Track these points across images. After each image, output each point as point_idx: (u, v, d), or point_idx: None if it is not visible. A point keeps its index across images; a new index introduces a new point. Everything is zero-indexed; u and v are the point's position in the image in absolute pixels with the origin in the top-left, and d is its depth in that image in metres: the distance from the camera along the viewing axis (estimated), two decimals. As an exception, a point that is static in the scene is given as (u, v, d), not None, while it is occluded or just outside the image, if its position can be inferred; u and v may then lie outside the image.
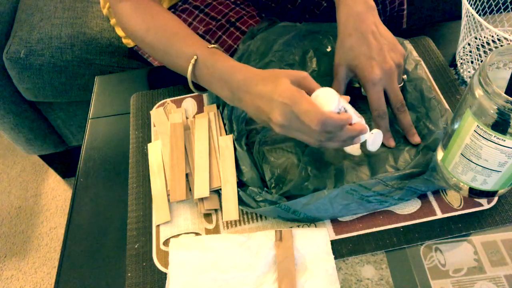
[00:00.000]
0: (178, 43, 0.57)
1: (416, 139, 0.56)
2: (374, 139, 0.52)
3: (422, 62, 0.66)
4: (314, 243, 0.49)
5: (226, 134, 0.60)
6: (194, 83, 0.58)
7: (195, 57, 0.55)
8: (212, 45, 0.56)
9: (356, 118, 0.49)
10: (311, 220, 0.51)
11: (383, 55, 0.54)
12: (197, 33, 0.77)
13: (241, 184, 0.55)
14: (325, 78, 0.64)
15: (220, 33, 0.76)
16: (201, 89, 0.60)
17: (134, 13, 0.61)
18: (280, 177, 0.55)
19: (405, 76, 0.59)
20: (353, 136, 0.49)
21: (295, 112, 0.46)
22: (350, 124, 0.48)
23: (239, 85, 0.51)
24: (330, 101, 0.47)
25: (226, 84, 0.53)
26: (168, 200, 0.55)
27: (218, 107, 0.63)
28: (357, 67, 0.55)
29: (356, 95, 0.60)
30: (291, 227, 0.51)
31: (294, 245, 0.48)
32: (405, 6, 0.82)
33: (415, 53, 0.64)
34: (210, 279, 0.47)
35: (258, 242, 0.49)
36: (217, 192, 0.55)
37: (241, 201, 0.53)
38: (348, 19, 0.56)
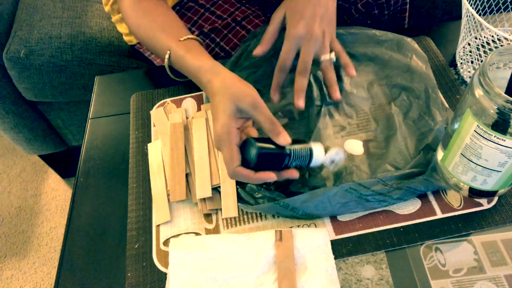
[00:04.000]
0: (161, 38, 0.59)
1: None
2: (331, 160, 0.51)
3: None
4: (314, 243, 0.49)
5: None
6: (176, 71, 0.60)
7: (168, 52, 0.58)
8: (186, 37, 0.58)
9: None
10: (309, 217, 0.51)
11: (313, 21, 0.57)
12: (202, 32, 0.77)
13: (241, 182, 0.55)
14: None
15: (225, 32, 0.76)
16: (183, 76, 0.61)
17: (130, 10, 0.64)
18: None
19: (333, 56, 0.60)
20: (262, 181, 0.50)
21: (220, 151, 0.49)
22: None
23: (204, 87, 0.53)
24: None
25: (196, 80, 0.55)
26: (168, 200, 0.55)
27: None
28: (288, 18, 0.59)
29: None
30: (291, 227, 0.51)
31: (294, 245, 0.48)
32: (407, 0, 0.82)
33: (420, 51, 0.64)
34: (210, 279, 0.47)
35: (258, 242, 0.49)
36: (217, 190, 0.55)
37: (240, 199, 0.53)
38: None
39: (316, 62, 0.60)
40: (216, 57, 0.78)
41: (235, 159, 0.47)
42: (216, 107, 0.49)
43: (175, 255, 0.49)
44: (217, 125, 0.48)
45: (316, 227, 0.51)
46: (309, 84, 0.64)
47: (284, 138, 0.48)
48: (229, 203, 0.53)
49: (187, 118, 0.63)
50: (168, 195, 0.55)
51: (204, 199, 0.54)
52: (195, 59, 0.55)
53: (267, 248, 0.48)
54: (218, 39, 0.77)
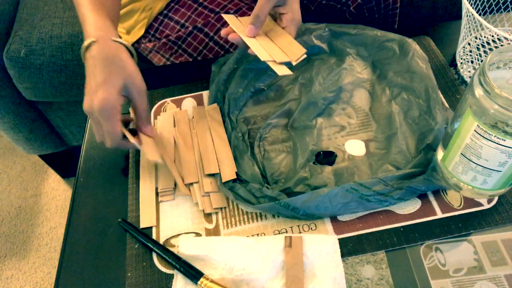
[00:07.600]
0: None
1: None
2: None
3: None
4: (323, 250, 0.48)
5: (226, 132, 0.60)
6: None
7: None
8: None
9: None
10: (310, 218, 0.51)
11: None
12: (196, 26, 0.77)
13: (242, 178, 0.55)
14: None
15: (219, 25, 0.76)
16: None
17: None
18: (281, 173, 0.55)
19: None
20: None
21: (100, 122, 0.49)
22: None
23: (86, 44, 0.50)
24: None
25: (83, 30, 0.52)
26: (157, 202, 0.55)
27: (218, 103, 0.64)
28: None
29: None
30: (291, 227, 0.51)
31: (303, 251, 0.48)
32: (398, 5, 0.83)
33: (421, 52, 0.64)
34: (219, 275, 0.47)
35: (267, 247, 0.48)
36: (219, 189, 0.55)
37: (241, 198, 0.53)
38: None
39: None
40: (211, 51, 0.78)
41: (119, 133, 0.50)
42: (101, 75, 0.47)
43: (184, 254, 0.49)
44: (100, 96, 0.47)
45: (316, 227, 0.51)
46: (311, 82, 0.64)
47: (152, 131, 0.55)
48: (227, 168, 0.55)
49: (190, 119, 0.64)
50: (157, 195, 0.56)
51: (209, 198, 0.54)
52: (86, 8, 0.52)
53: (275, 253, 0.48)
54: (212, 33, 0.77)
